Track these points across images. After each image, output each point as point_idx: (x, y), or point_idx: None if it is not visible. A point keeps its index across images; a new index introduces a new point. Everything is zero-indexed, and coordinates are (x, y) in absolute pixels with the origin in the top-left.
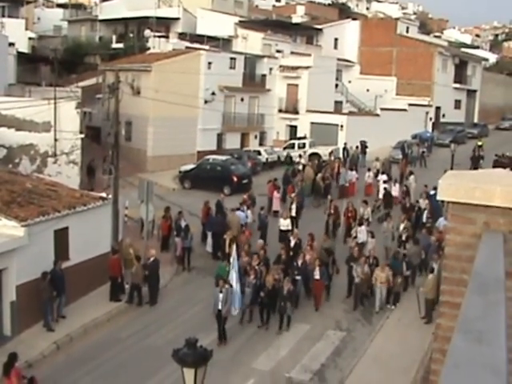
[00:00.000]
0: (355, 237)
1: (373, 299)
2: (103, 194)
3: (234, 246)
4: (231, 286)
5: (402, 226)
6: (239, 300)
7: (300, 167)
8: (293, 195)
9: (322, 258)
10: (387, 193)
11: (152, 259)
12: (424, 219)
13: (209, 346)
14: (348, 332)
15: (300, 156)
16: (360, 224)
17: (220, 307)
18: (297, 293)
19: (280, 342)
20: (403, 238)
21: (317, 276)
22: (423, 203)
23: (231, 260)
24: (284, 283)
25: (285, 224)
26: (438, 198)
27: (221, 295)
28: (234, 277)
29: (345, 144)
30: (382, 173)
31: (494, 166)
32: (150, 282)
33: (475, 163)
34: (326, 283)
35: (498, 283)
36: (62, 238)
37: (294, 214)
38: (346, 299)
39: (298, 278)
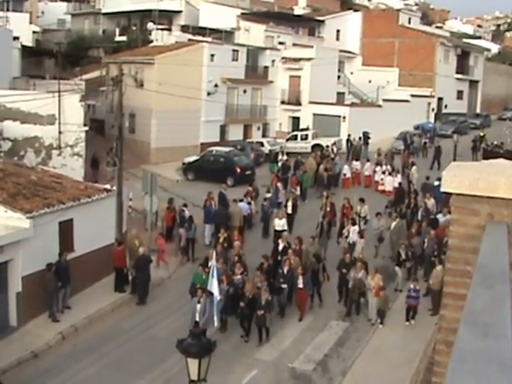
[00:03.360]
0: (347, 236)
1: (366, 309)
2: (107, 186)
3: (214, 254)
4: (211, 294)
5: (393, 224)
6: (219, 308)
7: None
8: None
9: (312, 264)
10: (400, 188)
11: (141, 255)
12: (419, 217)
13: (211, 337)
14: (351, 322)
15: (282, 153)
16: (353, 224)
17: (198, 319)
18: (283, 302)
19: (283, 333)
20: (402, 255)
21: (300, 285)
22: (430, 203)
23: (211, 267)
24: (262, 292)
25: (280, 224)
26: (442, 189)
27: (198, 306)
28: (214, 285)
29: (348, 135)
30: (377, 164)
31: (485, 158)
32: (138, 280)
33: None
34: (309, 292)
35: (503, 275)
36: (66, 229)
37: (290, 211)
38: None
39: (284, 286)
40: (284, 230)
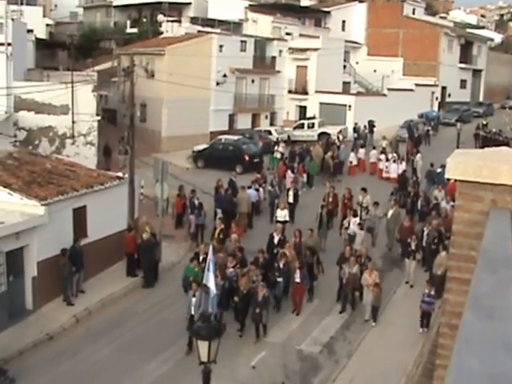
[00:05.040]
0: (347, 227)
1: (362, 305)
2: (119, 174)
3: (211, 247)
4: (207, 288)
5: (390, 212)
6: (215, 303)
7: (278, 156)
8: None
9: (306, 258)
10: (403, 175)
11: (145, 240)
12: (419, 206)
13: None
14: (357, 306)
15: (278, 144)
16: (355, 215)
17: (193, 312)
18: (279, 297)
19: (291, 316)
20: (412, 246)
21: (297, 279)
22: (439, 195)
23: (207, 260)
24: (259, 288)
25: (282, 215)
26: (447, 176)
27: (193, 299)
28: (210, 278)
29: (355, 124)
30: (382, 152)
31: (484, 145)
32: (142, 263)
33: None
34: (307, 287)
35: (507, 260)
36: (80, 216)
37: (291, 200)
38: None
39: (280, 279)
40: (286, 221)
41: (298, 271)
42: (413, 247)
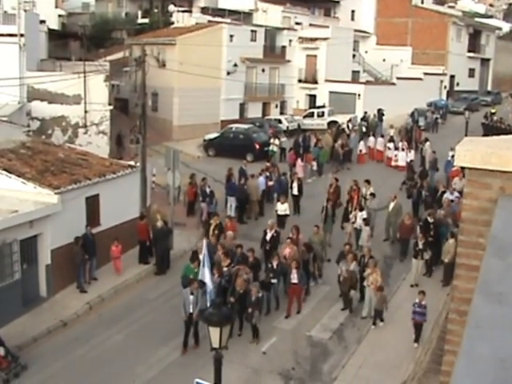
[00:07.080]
0: (353, 222)
1: (362, 304)
2: (131, 163)
3: (205, 243)
4: (203, 284)
5: (391, 205)
6: (213, 295)
7: (275, 149)
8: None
9: (302, 254)
10: (409, 164)
11: (158, 228)
12: (423, 196)
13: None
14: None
15: (275, 136)
16: (361, 209)
17: (191, 310)
18: (275, 297)
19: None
20: (419, 245)
21: (294, 280)
22: (459, 183)
23: (201, 257)
24: (252, 289)
25: (282, 208)
26: (456, 163)
27: (191, 297)
28: (206, 274)
29: (365, 113)
30: (390, 141)
31: (486, 134)
32: (156, 251)
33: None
34: (304, 287)
35: None
36: (93, 204)
37: (295, 192)
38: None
39: (274, 281)
40: (287, 215)
41: (294, 271)
42: (420, 246)
